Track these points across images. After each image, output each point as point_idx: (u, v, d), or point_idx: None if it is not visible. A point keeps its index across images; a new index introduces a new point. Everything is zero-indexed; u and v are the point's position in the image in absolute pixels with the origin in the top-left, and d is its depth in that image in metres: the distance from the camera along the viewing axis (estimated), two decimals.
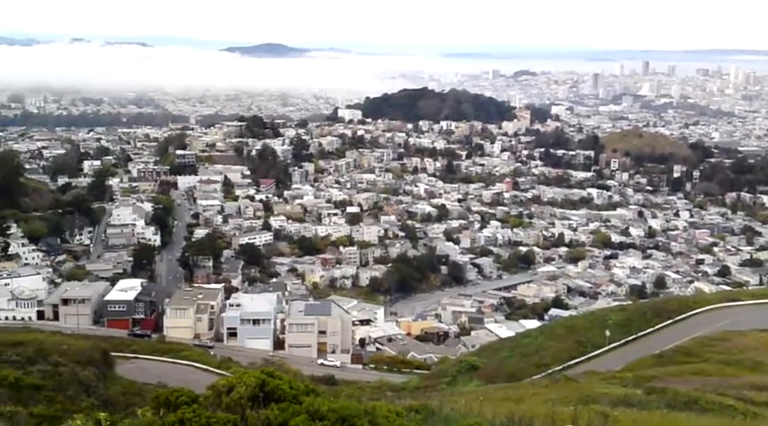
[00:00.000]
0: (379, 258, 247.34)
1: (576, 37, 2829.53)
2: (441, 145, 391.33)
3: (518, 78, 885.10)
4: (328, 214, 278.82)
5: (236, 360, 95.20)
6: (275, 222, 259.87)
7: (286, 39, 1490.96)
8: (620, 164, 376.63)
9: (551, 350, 78.39)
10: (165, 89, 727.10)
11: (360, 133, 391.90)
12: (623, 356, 71.03)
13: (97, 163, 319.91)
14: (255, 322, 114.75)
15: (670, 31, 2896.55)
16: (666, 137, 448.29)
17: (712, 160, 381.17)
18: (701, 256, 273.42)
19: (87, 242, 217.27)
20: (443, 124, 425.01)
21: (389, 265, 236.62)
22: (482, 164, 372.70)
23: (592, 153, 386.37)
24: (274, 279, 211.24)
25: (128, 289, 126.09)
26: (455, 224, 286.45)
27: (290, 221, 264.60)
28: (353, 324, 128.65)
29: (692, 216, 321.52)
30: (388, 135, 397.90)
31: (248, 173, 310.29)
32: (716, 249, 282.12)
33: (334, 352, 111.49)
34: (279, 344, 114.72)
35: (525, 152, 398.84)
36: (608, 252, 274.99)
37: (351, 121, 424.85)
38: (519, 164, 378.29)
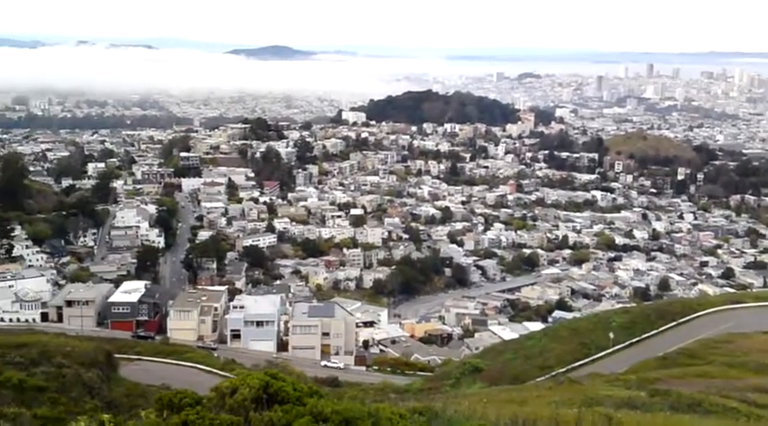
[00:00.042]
0: (382, 260, 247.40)
1: (580, 39, 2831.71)
2: (445, 147, 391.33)
3: (522, 81, 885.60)
4: (332, 216, 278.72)
5: (239, 362, 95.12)
6: (279, 224, 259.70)
7: (292, 42, 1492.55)
8: (625, 166, 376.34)
9: (555, 353, 78.38)
10: (170, 91, 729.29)
11: (364, 135, 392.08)
12: (627, 358, 70.99)
13: (101, 165, 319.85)
14: (259, 323, 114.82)
15: (674, 34, 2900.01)
16: (671, 139, 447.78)
17: (716, 162, 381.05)
18: (705, 258, 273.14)
19: (91, 244, 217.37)
20: (447, 126, 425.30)
21: (393, 267, 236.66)
22: (486, 167, 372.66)
23: (596, 155, 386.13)
24: (278, 281, 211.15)
25: (131, 291, 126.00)
26: (459, 226, 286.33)
27: (293, 223, 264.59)
28: (357, 326, 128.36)
29: (696, 218, 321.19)
30: (392, 137, 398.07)
31: (252, 175, 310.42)
32: (720, 251, 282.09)
33: (337, 354, 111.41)
34: (282, 346, 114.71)
35: (529, 154, 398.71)
36: (612, 255, 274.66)
37: (355, 124, 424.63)
38: (523, 167, 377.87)
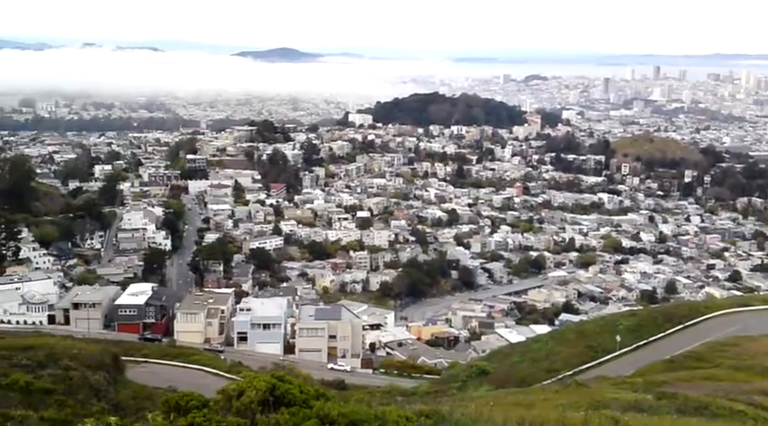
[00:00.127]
0: (389, 263, 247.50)
1: (586, 41, 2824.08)
2: (451, 149, 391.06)
3: (529, 83, 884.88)
4: (339, 218, 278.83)
5: (246, 365, 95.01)
6: (286, 226, 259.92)
7: (299, 44, 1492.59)
8: (631, 168, 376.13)
9: (562, 355, 78.19)
10: (177, 93, 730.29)
11: (370, 138, 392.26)
12: (634, 361, 70.75)
13: (108, 167, 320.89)
14: (266, 326, 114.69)
15: (680, 36, 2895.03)
16: (677, 141, 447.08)
17: (723, 165, 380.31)
18: (711, 261, 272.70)
19: (98, 246, 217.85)
20: (454, 129, 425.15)
21: (400, 270, 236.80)
22: (493, 169, 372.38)
23: (603, 157, 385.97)
24: (285, 284, 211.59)
25: (138, 294, 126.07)
26: (465, 228, 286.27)
27: (300, 226, 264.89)
28: (364, 329, 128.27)
29: (702, 221, 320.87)
30: (399, 139, 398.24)
31: (259, 177, 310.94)
32: (727, 254, 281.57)
33: (344, 357, 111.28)
34: (289, 349, 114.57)
35: (536, 156, 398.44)
36: (619, 257, 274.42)
37: (361, 126, 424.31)
38: (530, 169, 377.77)
